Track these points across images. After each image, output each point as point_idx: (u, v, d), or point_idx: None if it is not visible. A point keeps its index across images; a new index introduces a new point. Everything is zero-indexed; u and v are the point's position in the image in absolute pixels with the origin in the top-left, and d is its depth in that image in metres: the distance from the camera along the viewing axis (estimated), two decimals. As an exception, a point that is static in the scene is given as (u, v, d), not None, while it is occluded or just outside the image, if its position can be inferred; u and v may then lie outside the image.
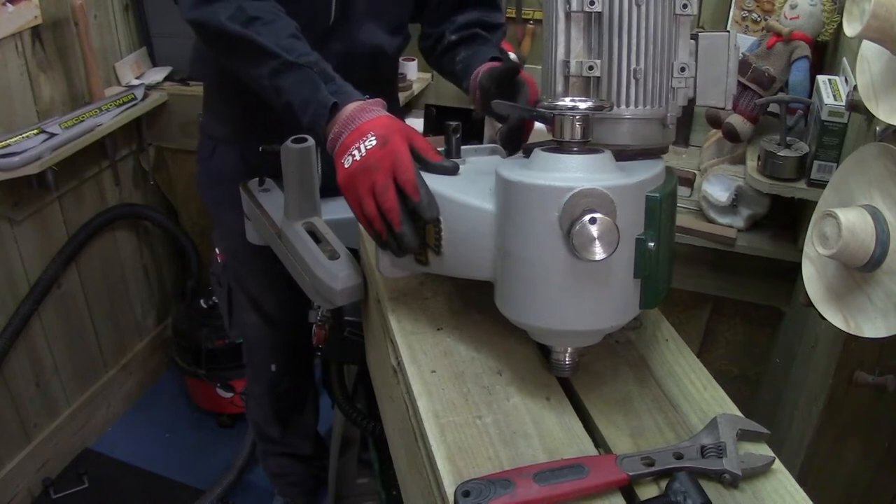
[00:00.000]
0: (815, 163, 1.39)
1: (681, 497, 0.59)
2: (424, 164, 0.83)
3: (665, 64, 0.74)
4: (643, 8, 0.72)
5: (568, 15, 0.73)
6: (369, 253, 0.95)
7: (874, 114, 0.84)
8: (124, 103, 1.99)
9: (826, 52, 1.64)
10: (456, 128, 0.88)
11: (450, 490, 0.63)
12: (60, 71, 1.91)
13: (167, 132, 2.20)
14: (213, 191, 1.41)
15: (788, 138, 1.45)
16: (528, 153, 0.74)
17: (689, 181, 1.70)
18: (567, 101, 0.69)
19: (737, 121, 1.57)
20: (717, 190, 1.58)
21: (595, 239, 0.64)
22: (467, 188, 0.78)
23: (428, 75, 2.24)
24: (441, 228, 0.79)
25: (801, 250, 0.94)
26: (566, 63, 0.74)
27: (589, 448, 0.69)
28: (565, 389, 0.77)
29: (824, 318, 0.88)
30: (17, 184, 1.78)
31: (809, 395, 1.28)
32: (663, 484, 0.63)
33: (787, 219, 1.60)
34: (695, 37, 0.76)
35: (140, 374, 2.41)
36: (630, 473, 0.63)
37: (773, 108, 1.61)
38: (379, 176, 0.80)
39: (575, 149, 0.70)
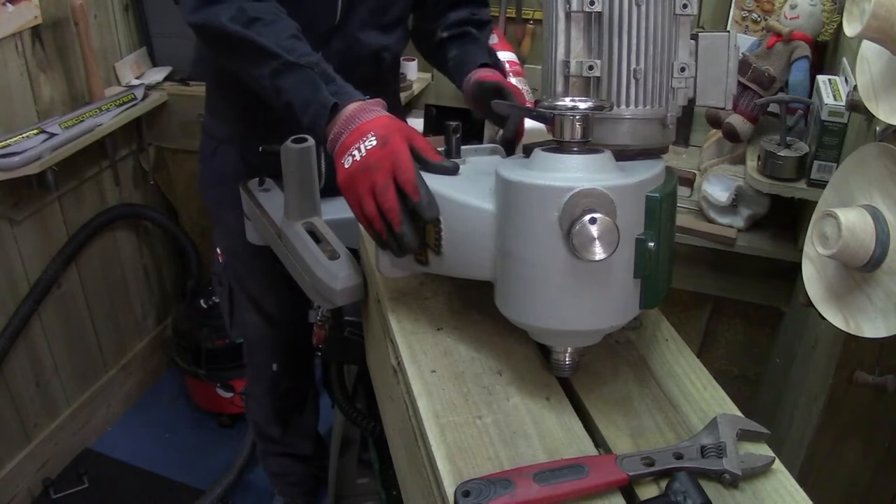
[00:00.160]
0: (815, 163, 1.39)
1: (681, 497, 0.60)
2: (424, 164, 0.83)
3: (665, 64, 0.74)
4: (643, 8, 0.72)
5: (568, 15, 0.73)
6: (369, 253, 0.95)
7: (874, 114, 0.84)
8: (124, 103, 1.99)
9: (826, 52, 1.64)
10: (456, 128, 0.88)
11: (450, 490, 0.63)
12: (60, 71, 1.91)
13: (167, 132, 2.20)
14: (214, 191, 1.41)
15: (788, 138, 1.45)
16: (528, 153, 0.74)
17: (689, 181, 1.70)
18: (567, 101, 0.69)
19: (737, 121, 1.57)
20: (717, 190, 1.58)
21: (595, 239, 0.64)
22: (467, 188, 0.78)
23: (428, 75, 2.24)
24: (441, 228, 0.79)
25: (801, 250, 0.94)
26: (566, 63, 0.74)
27: (589, 448, 0.69)
28: (565, 389, 0.77)
29: (824, 318, 0.88)
30: (17, 184, 1.78)
31: (809, 395, 1.28)
32: (663, 484, 0.63)
33: (787, 219, 1.60)
34: (695, 37, 0.76)
35: (140, 374, 2.41)
36: (630, 473, 0.63)
37: (773, 108, 1.61)
38: (379, 176, 0.80)
39: (575, 149, 0.70)
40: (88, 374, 2.20)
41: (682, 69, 0.75)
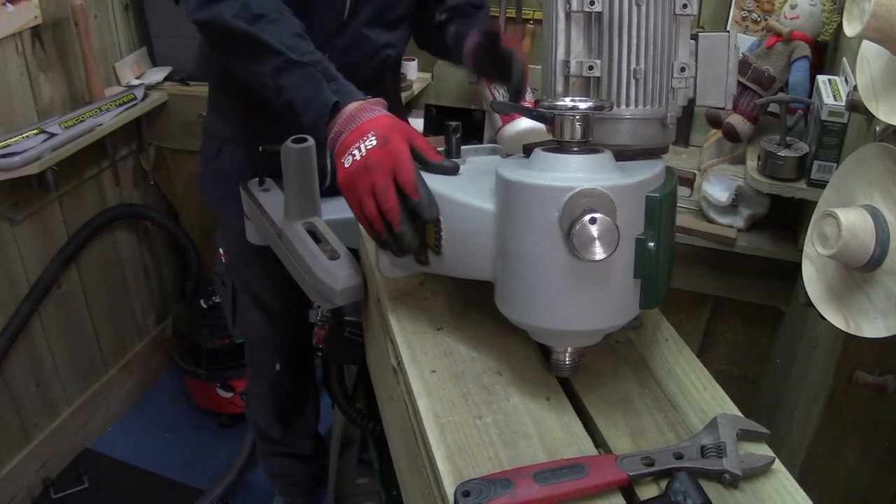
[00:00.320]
0: (815, 163, 1.39)
1: (681, 497, 0.59)
2: (425, 164, 0.83)
3: (665, 64, 0.74)
4: (643, 8, 0.72)
5: (568, 15, 0.73)
6: (369, 253, 0.95)
7: (874, 114, 0.84)
8: (124, 103, 1.99)
9: (826, 52, 1.64)
10: (456, 128, 0.88)
11: (450, 490, 0.63)
12: (60, 71, 1.91)
13: (167, 132, 2.20)
14: (217, 190, 1.41)
15: (788, 138, 1.45)
16: (528, 153, 0.74)
17: (689, 181, 1.70)
18: (567, 101, 0.69)
19: (737, 121, 1.56)
20: (717, 190, 1.58)
21: (595, 239, 0.64)
22: (467, 188, 0.78)
23: (428, 75, 2.24)
24: (441, 228, 0.79)
25: (801, 250, 0.94)
26: (566, 63, 0.74)
27: (589, 448, 0.69)
28: (565, 389, 0.77)
29: (824, 318, 0.88)
30: (17, 184, 1.78)
31: (809, 395, 1.28)
32: (663, 484, 0.63)
33: (787, 219, 1.59)
34: (695, 37, 0.76)
35: (140, 374, 2.41)
36: (630, 473, 0.63)
37: (773, 108, 1.61)
38: (379, 176, 0.80)
39: (575, 149, 0.70)
40: (88, 374, 2.20)
41: (682, 69, 0.75)
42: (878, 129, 1.02)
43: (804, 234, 1.01)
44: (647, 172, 0.69)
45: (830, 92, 1.35)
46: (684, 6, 0.74)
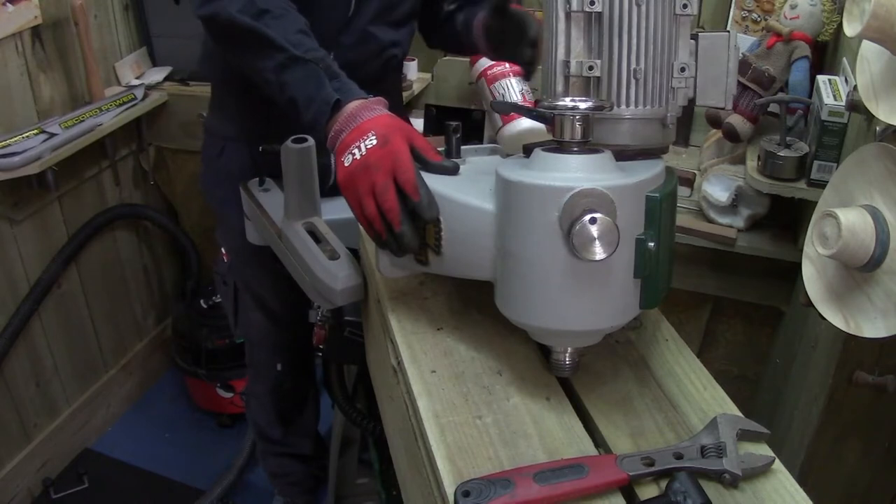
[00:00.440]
0: (815, 163, 1.39)
1: (681, 497, 0.60)
2: (425, 164, 0.83)
3: (665, 64, 0.74)
4: (643, 8, 0.72)
5: (568, 15, 0.73)
6: (369, 253, 0.95)
7: (874, 114, 0.84)
8: (124, 103, 1.99)
9: (826, 52, 1.64)
10: (456, 128, 0.88)
11: (450, 490, 0.63)
12: (60, 71, 1.91)
13: (167, 132, 2.19)
14: (219, 190, 1.41)
15: (788, 138, 1.45)
16: (528, 153, 0.74)
17: (689, 181, 1.70)
18: (567, 101, 0.69)
19: (737, 121, 1.56)
20: (717, 190, 1.58)
21: (595, 239, 0.64)
22: (467, 188, 0.78)
23: (428, 75, 2.23)
24: (441, 228, 0.79)
25: (801, 250, 0.94)
26: (566, 63, 0.74)
27: (589, 448, 0.69)
28: (565, 389, 0.77)
29: (824, 318, 0.88)
30: (17, 184, 1.78)
31: (809, 395, 1.28)
32: (663, 484, 0.63)
33: (787, 219, 1.59)
34: (695, 37, 0.76)
35: (140, 374, 2.41)
36: (630, 473, 0.63)
37: (773, 108, 1.61)
38: (379, 175, 0.80)
39: (575, 149, 0.70)
40: (88, 374, 2.20)
41: (682, 69, 0.75)
42: (878, 129, 1.02)
43: (804, 234, 1.01)
44: (647, 172, 0.69)
45: (830, 92, 1.35)
46: (684, 6, 0.74)
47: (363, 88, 0.95)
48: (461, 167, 0.85)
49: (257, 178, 1.29)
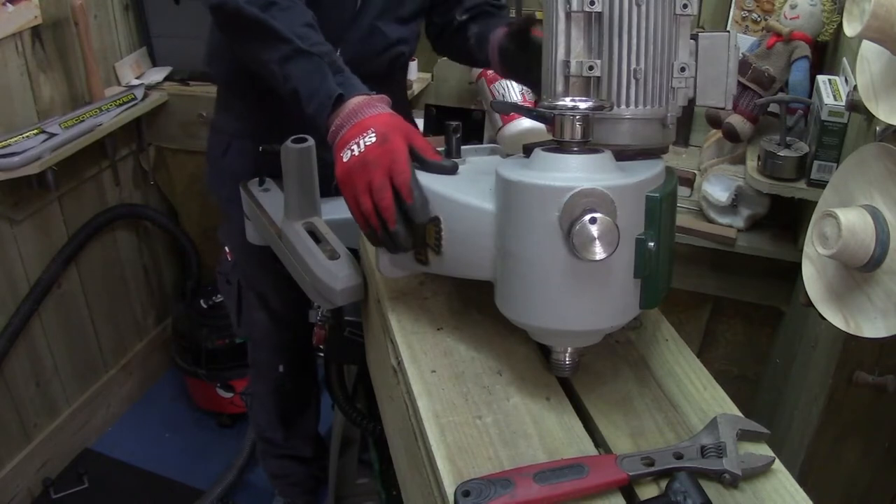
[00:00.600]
0: (815, 163, 1.39)
1: (681, 497, 0.60)
2: (423, 164, 0.83)
3: (665, 64, 0.74)
4: (643, 8, 0.72)
5: (568, 15, 0.73)
6: (369, 253, 0.95)
7: (874, 114, 0.84)
8: (124, 103, 1.99)
9: (826, 52, 1.64)
10: (456, 128, 0.88)
11: (450, 490, 0.63)
12: (60, 71, 1.91)
13: (167, 132, 2.19)
14: (224, 188, 1.40)
15: (788, 138, 1.45)
16: (528, 153, 0.74)
17: (689, 181, 1.70)
18: (567, 101, 0.69)
19: (737, 121, 1.56)
20: (717, 190, 1.58)
21: (595, 239, 0.64)
22: (467, 188, 0.78)
23: (428, 75, 2.23)
24: (441, 228, 0.79)
25: (801, 250, 0.94)
26: (566, 63, 0.74)
27: (589, 448, 0.69)
28: (565, 389, 0.77)
29: (824, 318, 0.88)
30: (17, 184, 1.78)
31: (809, 395, 1.28)
32: (663, 484, 0.63)
33: (787, 219, 1.59)
34: (695, 37, 0.76)
35: (140, 374, 2.41)
36: (630, 473, 0.63)
37: (773, 108, 1.61)
38: (376, 173, 0.81)
39: (575, 149, 0.70)
40: (88, 374, 2.20)
41: (682, 69, 0.75)
42: (878, 129, 1.02)
43: (804, 234, 1.01)
44: (647, 172, 0.69)
45: (830, 92, 1.35)
46: (684, 6, 0.74)
47: (369, 86, 0.95)
48: (461, 167, 0.85)
49: (257, 178, 1.29)
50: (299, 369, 1.66)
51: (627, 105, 0.74)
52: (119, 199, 2.20)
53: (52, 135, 1.78)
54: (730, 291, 1.69)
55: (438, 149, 0.89)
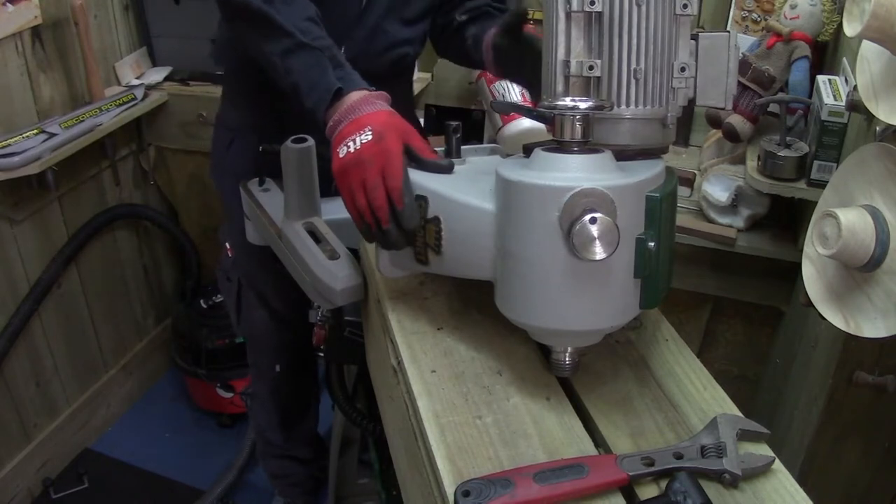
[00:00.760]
0: (815, 163, 1.39)
1: (681, 497, 0.60)
2: (420, 163, 0.83)
3: (665, 64, 0.74)
4: (643, 8, 0.72)
5: (568, 15, 0.73)
6: (369, 253, 0.95)
7: (874, 114, 0.84)
8: (124, 103, 1.99)
9: (826, 52, 1.64)
10: (456, 128, 0.88)
11: (450, 490, 0.63)
12: (60, 71, 1.91)
13: (167, 132, 2.19)
14: (227, 182, 1.40)
15: (788, 138, 1.45)
16: (528, 153, 0.74)
17: (689, 181, 1.70)
18: (567, 101, 0.69)
19: (737, 121, 1.56)
20: (717, 190, 1.58)
21: (595, 239, 0.64)
22: (467, 188, 0.78)
23: (428, 75, 2.23)
24: (441, 228, 0.79)
25: (801, 250, 0.94)
26: (566, 63, 0.74)
27: (589, 448, 0.69)
28: (565, 389, 0.77)
29: (824, 318, 0.88)
30: (17, 184, 1.77)
31: (809, 395, 1.28)
32: (663, 484, 0.63)
33: (787, 219, 1.59)
34: (695, 37, 0.76)
35: (140, 374, 2.41)
36: (630, 473, 0.63)
37: (773, 108, 1.61)
38: (370, 172, 0.82)
39: (575, 149, 0.70)
40: (88, 374, 2.20)
41: (683, 69, 0.75)
42: (878, 129, 1.02)
43: (804, 234, 1.01)
44: (647, 172, 0.69)
45: (830, 92, 1.35)
46: (684, 6, 0.74)
47: (374, 86, 0.95)
48: (462, 167, 0.85)
49: (257, 178, 1.29)
50: (298, 371, 1.66)
51: (627, 105, 0.74)
52: (119, 199, 2.20)
53: (52, 135, 1.78)
54: (730, 291, 1.69)
55: (438, 149, 0.89)
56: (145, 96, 2.06)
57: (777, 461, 0.66)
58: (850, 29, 0.78)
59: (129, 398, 2.38)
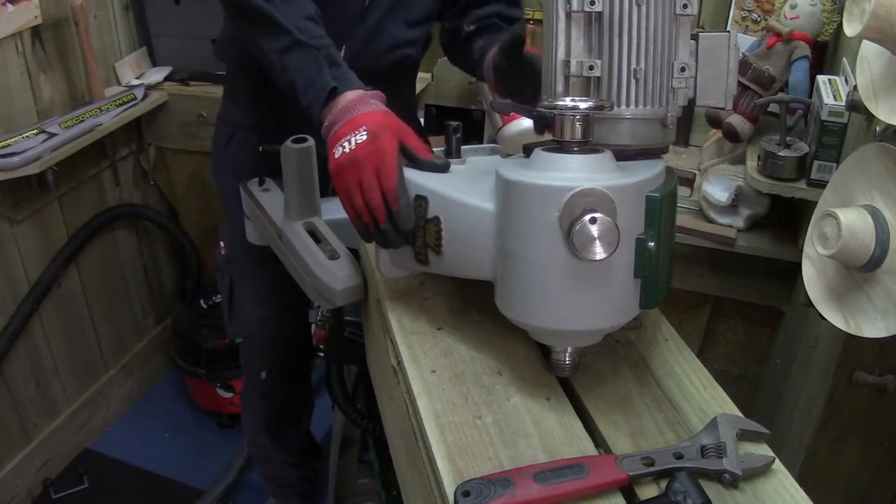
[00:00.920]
0: (815, 163, 1.39)
1: (681, 497, 0.60)
2: (416, 162, 0.84)
3: (665, 64, 0.74)
4: (643, 8, 0.72)
5: (568, 15, 0.73)
6: (369, 253, 0.95)
7: (874, 114, 0.84)
8: (124, 103, 1.99)
9: (826, 52, 1.64)
10: (456, 128, 0.88)
11: (450, 490, 0.63)
12: (60, 71, 1.91)
13: (167, 132, 2.19)
14: (227, 179, 1.39)
15: (788, 138, 1.45)
16: (528, 153, 0.74)
17: (689, 181, 1.70)
18: (567, 101, 0.69)
19: (737, 121, 1.56)
20: (717, 190, 1.58)
21: (595, 239, 0.64)
22: (467, 188, 0.78)
23: (428, 75, 2.23)
24: (441, 228, 0.79)
25: (801, 250, 0.94)
26: (566, 63, 0.74)
27: (589, 448, 0.69)
28: (565, 389, 0.77)
29: (824, 318, 0.88)
30: (17, 184, 1.77)
31: (809, 395, 1.28)
32: (663, 484, 0.63)
33: (787, 219, 1.59)
34: (695, 37, 0.76)
35: (140, 374, 2.41)
36: (630, 473, 0.63)
37: (773, 108, 1.61)
38: (366, 172, 0.82)
39: (575, 149, 0.70)
40: (88, 374, 2.20)
41: (683, 69, 0.75)
42: (878, 129, 1.02)
43: (804, 234, 1.01)
44: (647, 172, 0.69)
45: (830, 92, 1.35)
46: (684, 6, 0.74)
47: (373, 86, 0.95)
48: (462, 167, 0.85)
49: (257, 178, 1.29)
50: (289, 376, 1.63)
51: (627, 105, 0.74)
52: (119, 199, 2.20)
53: (52, 135, 1.78)
54: (730, 291, 1.70)
55: (438, 149, 0.89)
56: (145, 96, 2.06)
57: (777, 461, 0.66)
58: (850, 29, 0.78)
59: (129, 398, 2.38)
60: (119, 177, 2.17)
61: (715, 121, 1.64)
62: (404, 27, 1.26)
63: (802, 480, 0.67)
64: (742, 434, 0.68)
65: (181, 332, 2.21)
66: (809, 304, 0.91)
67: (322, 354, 1.22)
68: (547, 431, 0.70)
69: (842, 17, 1.01)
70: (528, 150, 0.74)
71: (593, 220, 0.63)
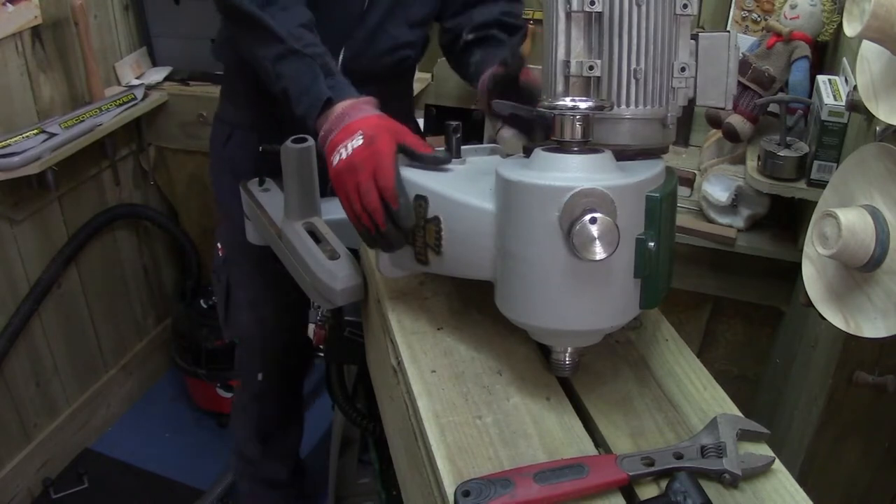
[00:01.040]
0: (815, 163, 1.39)
1: (681, 497, 0.60)
2: (416, 157, 0.84)
3: (665, 64, 0.74)
4: (643, 8, 0.72)
5: (568, 15, 0.73)
6: (369, 253, 0.95)
7: (874, 114, 0.84)
8: (124, 103, 1.99)
9: (826, 52, 1.64)
10: (456, 128, 0.88)
11: (450, 490, 0.63)
12: (60, 71, 1.91)
13: (167, 132, 2.19)
14: (226, 179, 1.39)
15: (788, 138, 1.45)
16: (528, 153, 0.74)
17: (689, 181, 1.70)
18: (567, 101, 0.69)
19: (737, 121, 1.56)
20: (717, 190, 1.58)
21: (595, 239, 0.64)
22: (467, 188, 0.78)
23: (428, 75, 2.23)
24: (441, 228, 0.79)
25: (801, 250, 0.94)
26: (566, 63, 0.74)
27: (589, 448, 0.69)
28: (565, 389, 0.77)
29: (824, 318, 0.88)
30: (17, 184, 1.77)
31: (809, 395, 1.28)
32: (663, 484, 0.63)
33: (787, 219, 1.60)
34: (695, 37, 0.76)
35: (140, 374, 2.41)
36: (630, 473, 0.63)
37: (773, 108, 1.61)
38: (362, 176, 0.82)
39: (575, 149, 0.70)
40: (88, 374, 2.20)
41: (683, 69, 0.75)
42: (878, 129, 1.02)
43: (804, 234, 1.01)
44: (647, 172, 0.69)
45: (830, 92, 1.35)
46: (684, 6, 0.74)
47: (371, 87, 0.95)
48: (462, 167, 0.85)
49: (257, 178, 1.29)
50: (283, 382, 1.61)
51: (627, 105, 0.74)
52: (119, 199, 2.20)
53: (52, 135, 1.78)
54: (730, 291, 1.70)
55: (439, 149, 0.89)
56: (145, 96, 2.06)
57: (777, 461, 0.66)
58: (850, 29, 0.78)
59: (129, 398, 2.38)
60: (119, 177, 2.17)
61: (715, 121, 1.64)
62: (404, 28, 1.26)
63: (802, 480, 0.67)
64: (742, 434, 0.68)
65: (181, 332, 2.21)
66: (809, 304, 0.91)
67: (322, 354, 1.22)
68: (547, 431, 0.70)
69: (842, 17, 1.01)
70: (528, 150, 0.74)
71: (593, 220, 0.63)
